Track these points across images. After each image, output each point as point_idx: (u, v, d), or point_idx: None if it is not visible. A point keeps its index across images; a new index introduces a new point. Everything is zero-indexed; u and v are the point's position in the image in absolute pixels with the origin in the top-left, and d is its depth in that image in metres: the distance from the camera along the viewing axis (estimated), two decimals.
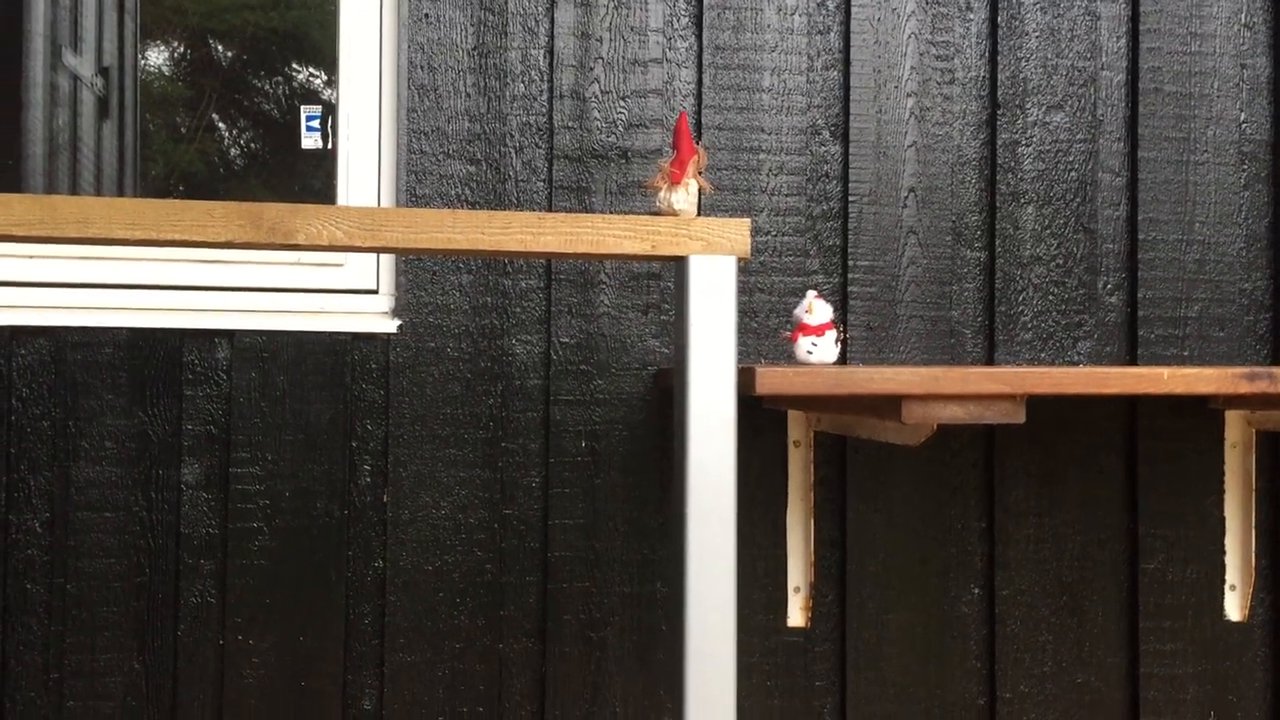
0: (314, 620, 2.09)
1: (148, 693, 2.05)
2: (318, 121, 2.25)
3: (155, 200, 1.39)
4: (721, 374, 1.49)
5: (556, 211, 2.15)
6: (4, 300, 2.06)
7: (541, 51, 2.17)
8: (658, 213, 1.58)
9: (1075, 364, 2.28)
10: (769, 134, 2.22)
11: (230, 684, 2.06)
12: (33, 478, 2.04)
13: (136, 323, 2.06)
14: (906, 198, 2.25)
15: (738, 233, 1.50)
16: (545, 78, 2.17)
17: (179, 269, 2.12)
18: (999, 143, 2.28)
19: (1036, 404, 2.22)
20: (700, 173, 1.59)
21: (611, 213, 2.17)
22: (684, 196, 1.57)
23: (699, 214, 1.57)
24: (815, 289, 2.02)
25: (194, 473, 2.07)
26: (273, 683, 2.07)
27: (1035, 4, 2.29)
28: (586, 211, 2.16)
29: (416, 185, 2.13)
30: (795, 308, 1.91)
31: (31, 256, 2.08)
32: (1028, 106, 2.29)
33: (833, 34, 2.24)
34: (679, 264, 1.52)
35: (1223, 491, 2.30)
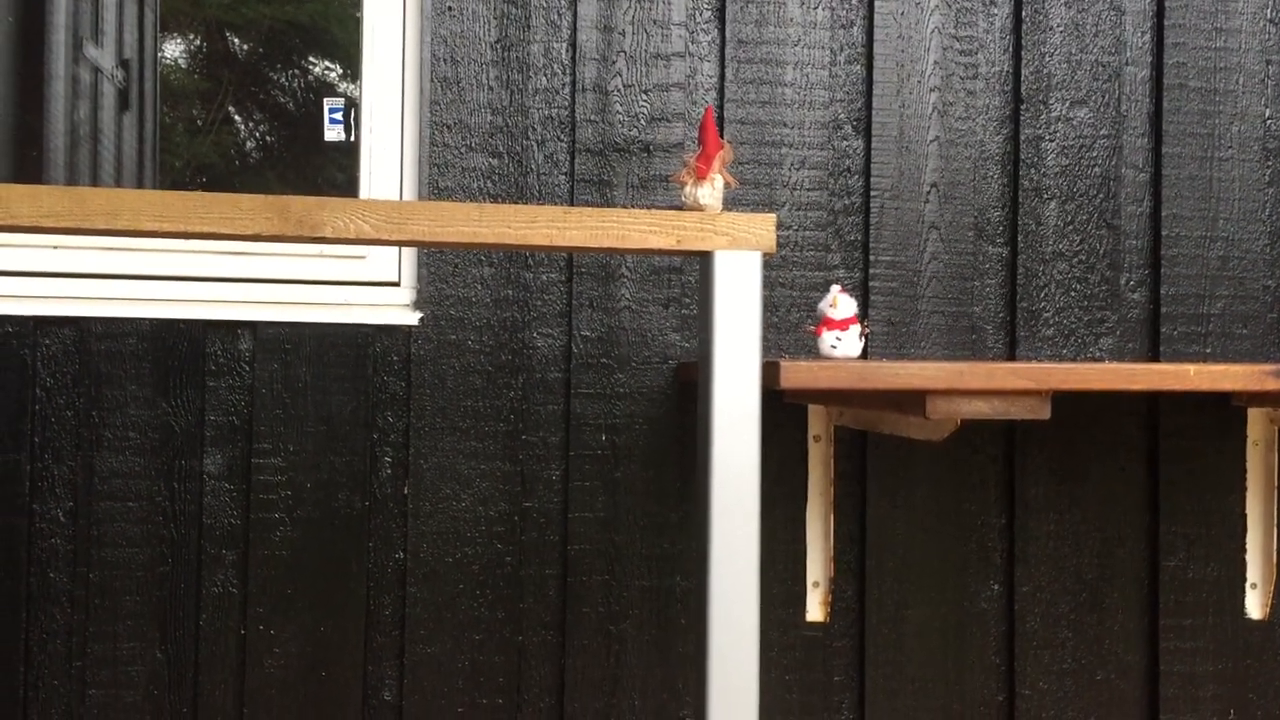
0: (335, 611, 2.09)
1: (170, 681, 2.06)
2: (341, 114, 2.25)
3: (183, 192, 1.40)
4: (746, 369, 1.49)
5: (578, 204, 2.15)
6: (28, 290, 2.07)
7: (564, 45, 2.17)
8: (682, 207, 1.58)
9: (1097, 360, 2.27)
10: (791, 128, 2.22)
11: (251, 673, 2.07)
12: (56, 467, 2.05)
13: (160, 314, 2.07)
14: (929, 193, 2.25)
15: (763, 228, 1.50)
16: (568, 71, 2.17)
17: (202, 260, 2.12)
18: (1022, 138, 2.27)
19: (1057, 400, 2.21)
20: (726, 167, 1.59)
21: (633, 207, 2.17)
22: (709, 191, 1.57)
23: (723, 208, 1.57)
24: (838, 284, 2.02)
25: (216, 463, 2.08)
26: (293, 672, 2.08)
27: None
28: (608, 205, 2.16)
29: (439, 178, 2.13)
30: (818, 302, 1.91)
31: (56, 247, 2.09)
32: (1051, 102, 2.28)
33: (856, 28, 2.24)
34: (704, 259, 1.52)
35: (1244, 489, 2.29)
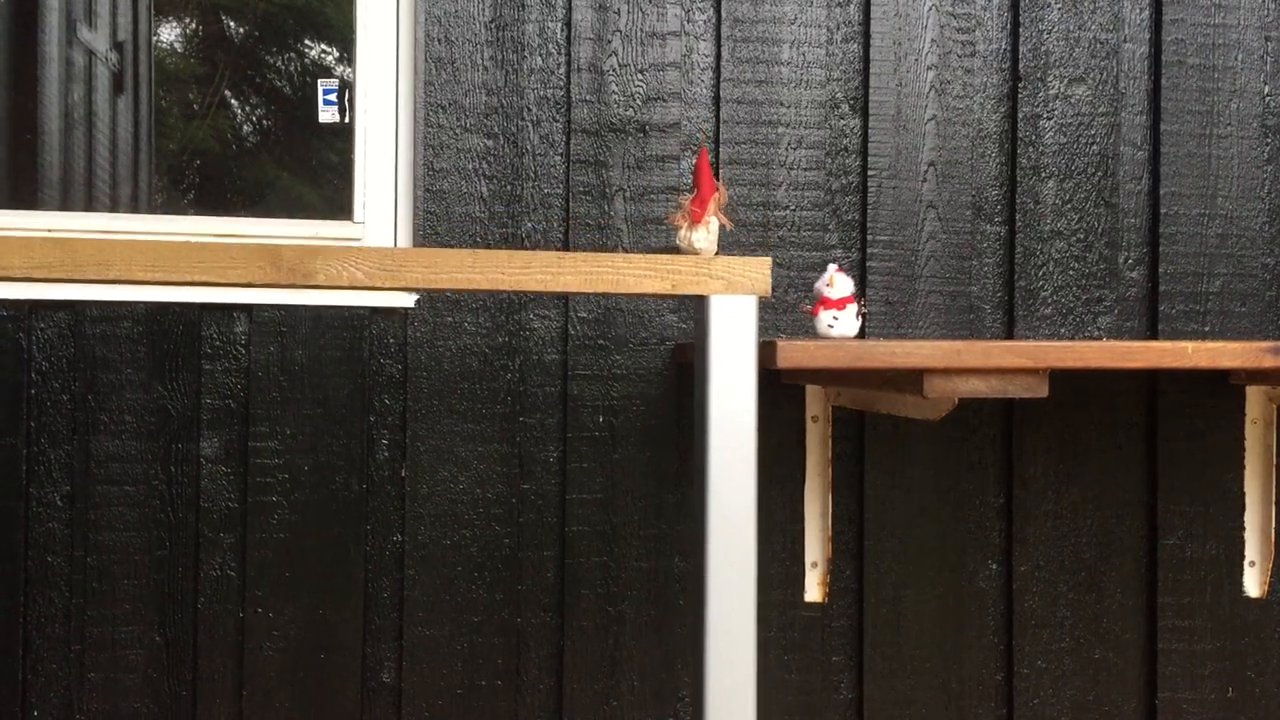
0: (333, 593, 2.09)
1: (168, 665, 2.07)
2: (335, 95, 2.24)
3: (175, 242, 1.42)
4: (742, 415, 1.50)
5: (574, 185, 2.15)
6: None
7: (559, 24, 2.16)
8: (677, 249, 1.60)
9: (1095, 339, 2.27)
10: (788, 107, 2.21)
11: (250, 656, 2.07)
12: (53, 451, 2.04)
13: (155, 297, 2.06)
14: (926, 172, 2.24)
15: (758, 271, 1.51)
16: (563, 51, 2.16)
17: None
18: (1020, 116, 2.26)
19: (1056, 379, 2.21)
20: (721, 209, 1.60)
21: (629, 187, 2.16)
22: (705, 235, 1.59)
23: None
24: (835, 263, 2.01)
25: (213, 447, 2.08)
26: (292, 655, 2.08)
27: None
28: (604, 185, 2.15)
29: (434, 159, 2.12)
30: (815, 282, 1.90)
31: (50, 231, 2.08)
32: (1049, 79, 2.27)
33: (852, 6, 2.23)
34: (699, 302, 1.52)
35: (1243, 468, 2.29)
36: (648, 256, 1.50)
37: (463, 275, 1.45)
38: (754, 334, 1.50)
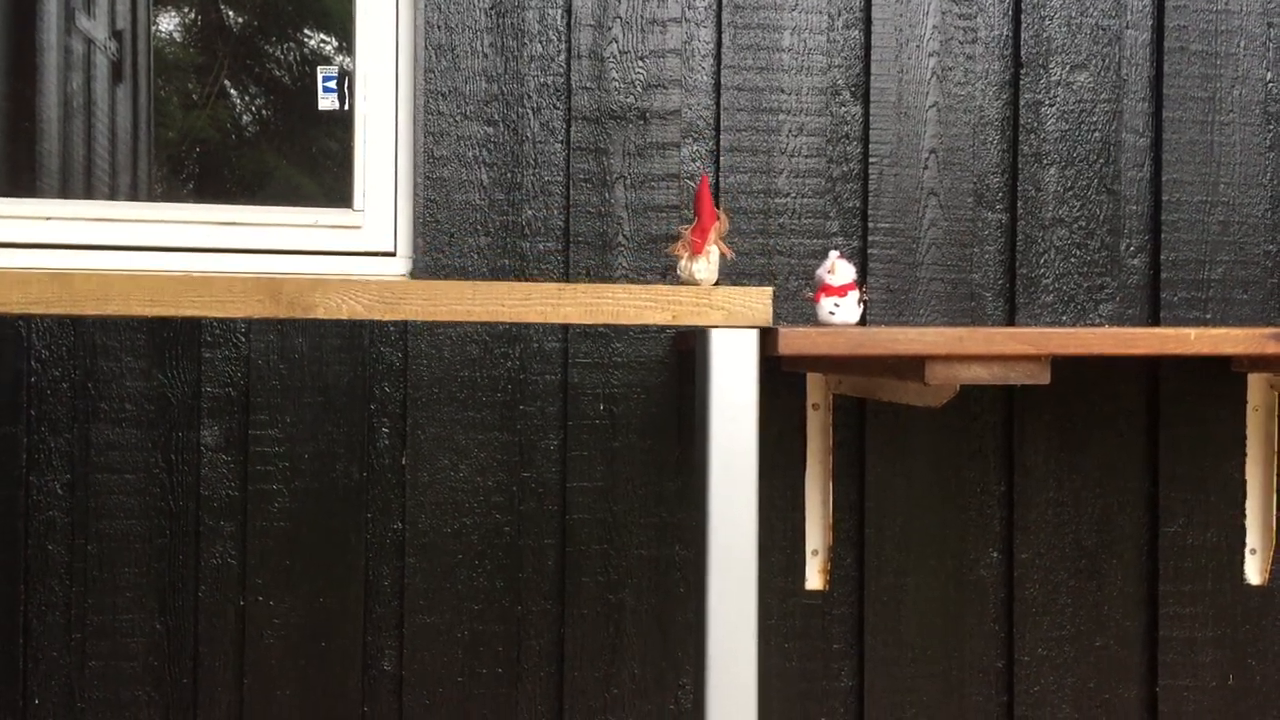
0: (334, 582, 2.09)
1: (169, 653, 2.07)
2: (335, 82, 2.23)
3: (175, 275, 1.42)
4: (744, 443, 1.50)
5: (575, 173, 2.14)
6: (22, 262, 2.06)
7: (559, 11, 2.15)
8: (678, 280, 1.60)
9: (1097, 326, 2.26)
10: (789, 94, 2.20)
11: (251, 645, 2.07)
12: (53, 439, 2.04)
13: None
14: (927, 159, 2.23)
15: (759, 302, 1.51)
16: (563, 38, 2.15)
17: (196, 231, 2.11)
18: (1022, 103, 2.25)
19: (1057, 367, 2.20)
20: (721, 238, 1.60)
21: (630, 175, 2.15)
22: (705, 265, 1.59)
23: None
24: (836, 250, 2.01)
25: (213, 435, 2.07)
26: (293, 644, 2.08)
27: None
28: (605, 172, 2.15)
29: (434, 146, 2.11)
30: (816, 269, 1.90)
31: (49, 219, 2.08)
32: (1051, 66, 2.26)
33: None
34: (700, 333, 1.52)
35: (1244, 455, 2.29)
36: (648, 287, 1.51)
37: (462, 307, 1.46)
38: (755, 364, 1.50)
